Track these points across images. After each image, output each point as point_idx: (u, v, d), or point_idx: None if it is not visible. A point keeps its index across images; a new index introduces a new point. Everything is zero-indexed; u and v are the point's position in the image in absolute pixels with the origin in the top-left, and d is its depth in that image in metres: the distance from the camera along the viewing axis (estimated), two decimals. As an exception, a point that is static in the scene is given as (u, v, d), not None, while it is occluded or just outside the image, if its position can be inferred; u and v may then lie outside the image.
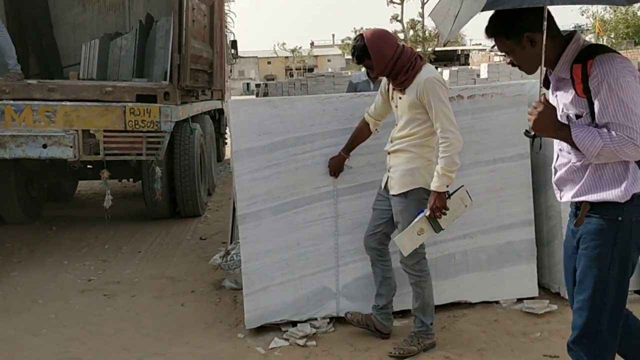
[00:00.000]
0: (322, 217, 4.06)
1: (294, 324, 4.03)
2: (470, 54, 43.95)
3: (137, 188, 8.97)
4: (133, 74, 7.78)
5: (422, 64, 3.44)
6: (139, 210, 8.09)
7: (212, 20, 8.21)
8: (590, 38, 46.10)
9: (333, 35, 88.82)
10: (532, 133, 2.43)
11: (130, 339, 4.13)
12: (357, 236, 4.05)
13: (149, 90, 6.46)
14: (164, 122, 6.17)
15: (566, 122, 2.41)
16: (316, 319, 4.05)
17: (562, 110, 2.45)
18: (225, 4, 10.91)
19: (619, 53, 2.34)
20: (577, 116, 2.39)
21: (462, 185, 3.50)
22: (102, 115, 6.13)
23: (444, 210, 3.39)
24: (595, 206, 2.39)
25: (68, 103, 6.17)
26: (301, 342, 3.83)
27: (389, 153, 3.64)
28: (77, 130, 6.06)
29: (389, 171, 3.65)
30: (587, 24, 47.43)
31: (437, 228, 3.45)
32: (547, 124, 2.36)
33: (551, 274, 4.40)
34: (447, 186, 3.38)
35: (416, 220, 3.44)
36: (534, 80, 5.06)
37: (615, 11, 41.15)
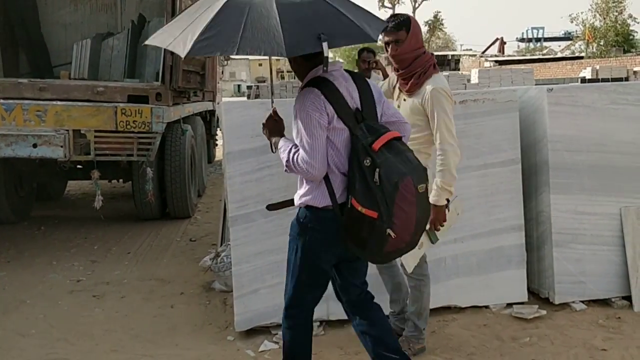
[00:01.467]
0: (313, 220, 4.05)
1: (284, 326, 4.01)
2: (461, 59, 44.13)
3: (126, 189, 8.94)
4: (125, 74, 7.76)
5: (433, 72, 3.43)
6: (129, 211, 8.06)
7: (205, 21, 8.17)
8: (580, 45, 46.46)
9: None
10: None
11: (119, 341, 4.11)
12: (348, 239, 4.05)
13: (141, 91, 6.44)
14: (156, 123, 6.16)
15: None
16: (306, 322, 4.03)
17: None
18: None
19: (323, 89, 2.70)
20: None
21: (457, 196, 3.50)
22: (93, 115, 6.11)
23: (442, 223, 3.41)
24: (300, 208, 2.90)
25: (59, 103, 6.15)
26: (291, 345, 3.81)
27: None
28: (67, 130, 6.04)
29: None
30: (576, 31, 47.82)
31: (434, 239, 3.48)
32: (269, 130, 2.96)
33: (540, 279, 4.42)
34: (447, 199, 3.40)
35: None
36: (525, 87, 5.10)
37: (605, 19, 41.48)
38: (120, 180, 7.99)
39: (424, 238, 3.42)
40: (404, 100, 3.50)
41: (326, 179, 2.75)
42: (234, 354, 3.83)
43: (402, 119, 2.96)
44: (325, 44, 2.46)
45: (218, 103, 11.45)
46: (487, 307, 4.32)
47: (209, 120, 11.07)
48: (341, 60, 57.30)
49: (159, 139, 6.31)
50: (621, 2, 40.70)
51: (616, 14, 41.43)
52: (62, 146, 5.96)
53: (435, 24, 42.64)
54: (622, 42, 40.64)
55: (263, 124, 2.99)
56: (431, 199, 3.32)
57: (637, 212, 4.31)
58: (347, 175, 2.73)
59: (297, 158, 2.72)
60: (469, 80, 19.30)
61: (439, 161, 3.35)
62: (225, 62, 14.02)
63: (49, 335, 4.20)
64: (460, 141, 4.21)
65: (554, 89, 4.29)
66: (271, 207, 3.32)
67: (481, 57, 43.72)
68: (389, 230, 2.57)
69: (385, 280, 3.86)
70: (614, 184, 4.33)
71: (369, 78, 5.73)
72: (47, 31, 8.93)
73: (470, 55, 45.89)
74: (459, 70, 37.60)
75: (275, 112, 2.96)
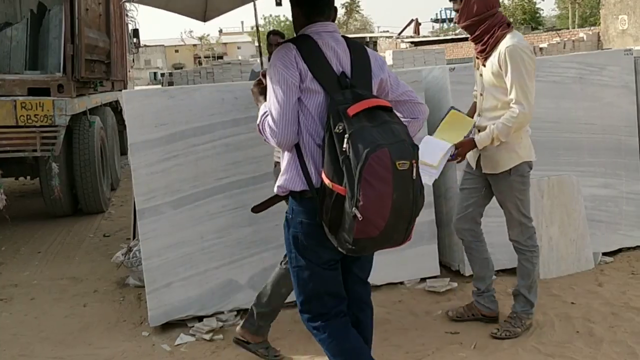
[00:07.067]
0: (225, 208, 4.00)
1: (200, 319, 3.97)
2: (378, 41, 44.62)
3: (36, 186, 8.58)
4: (26, 66, 7.40)
5: (506, 31, 3.34)
6: (39, 209, 7.75)
7: (109, 8, 7.93)
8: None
9: (242, 22, 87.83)
10: None
11: (28, 344, 3.94)
12: (262, 226, 4.03)
13: (42, 83, 6.19)
14: (59, 116, 5.94)
15: None
16: (223, 313, 4.00)
17: None
18: (125, -9, 10.54)
19: (298, 43, 2.45)
20: None
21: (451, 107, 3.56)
22: (-10, 111, 5.80)
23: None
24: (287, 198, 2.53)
25: (-48, 98, 5.81)
26: (207, 336, 3.77)
27: (478, 130, 3.49)
28: (-37, 127, 5.72)
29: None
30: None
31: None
32: (254, 94, 2.73)
33: (451, 253, 4.55)
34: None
35: (445, 153, 3.40)
36: (430, 67, 5.20)
37: (512, -3, 42.90)
38: (28, 177, 7.66)
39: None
40: (484, 66, 3.43)
41: (298, 152, 2.41)
42: (149, 350, 3.74)
43: (415, 99, 2.62)
44: None
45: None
46: (401, 283, 4.41)
47: (121, 110, 10.75)
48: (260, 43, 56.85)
49: (63, 132, 6.09)
50: (527, -18, 42.30)
51: (523, -7, 42.95)
52: (-42, 144, 5.65)
53: (352, 6, 42.86)
54: (530, 20, 42.27)
55: (251, 89, 2.73)
56: (476, 138, 3.38)
57: (538, 183, 4.48)
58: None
59: (264, 122, 2.44)
60: (384, 62, 19.57)
61: (507, 115, 3.28)
62: (136, 49, 13.61)
63: (-49, 345, 3.98)
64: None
65: (455, 68, 4.39)
66: (256, 209, 2.84)
67: (397, 38, 44.36)
68: (354, 210, 2.18)
69: (473, 257, 3.75)
70: (517, 158, 4.48)
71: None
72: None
73: (387, 37, 46.47)
74: (376, 51, 38.02)
75: (264, 75, 2.61)
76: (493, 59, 3.35)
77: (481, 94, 3.52)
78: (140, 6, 13.90)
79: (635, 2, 22.66)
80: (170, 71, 19.21)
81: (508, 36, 3.32)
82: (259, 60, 4.72)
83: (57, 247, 6.22)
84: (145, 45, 13.29)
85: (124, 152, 11.05)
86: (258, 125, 2.50)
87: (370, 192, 2.17)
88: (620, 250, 4.77)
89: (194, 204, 3.93)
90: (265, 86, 2.55)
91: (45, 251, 6.10)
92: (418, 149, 2.31)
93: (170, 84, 14.12)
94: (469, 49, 30.78)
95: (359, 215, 2.17)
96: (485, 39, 3.37)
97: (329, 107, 2.33)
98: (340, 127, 2.23)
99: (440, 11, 71.58)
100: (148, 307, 3.91)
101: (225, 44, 78.68)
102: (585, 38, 24.38)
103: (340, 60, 2.45)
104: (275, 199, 2.63)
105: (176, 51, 78.41)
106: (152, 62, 69.47)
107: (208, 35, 74.02)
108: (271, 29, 6.08)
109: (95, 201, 7.35)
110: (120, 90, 10.14)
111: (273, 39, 5.64)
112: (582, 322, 3.71)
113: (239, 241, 4.02)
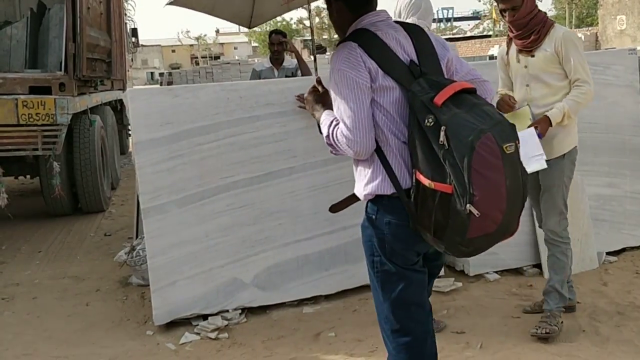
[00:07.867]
0: (230, 207, 3.99)
1: (205, 317, 3.95)
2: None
3: (35, 184, 8.57)
4: (26, 64, 7.40)
5: (552, 23, 3.53)
6: (39, 208, 7.72)
7: (109, 7, 7.93)
8: (488, 24, 47.94)
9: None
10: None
11: (31, 343, 3.93)
12: (267, 225, 4.03)
13: (43, 82, 6.17)
14: (60, 115, 5.91)
15: None
16: (228, 311, 3.99)
17: None
18: (124, -9, 10.55)
19: (359, 40, 2.23)
20: None
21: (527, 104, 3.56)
22: (-8, 109, 5.79)
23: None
24: (368, 202, 2.32)
25: (-47, 96, 5.79)
26: (212, 335, 3.76)
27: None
28: (-36, 126, 5.70)
29: None
30: (484, 10, 49.32)
31: None
32: (309, 103, 2.45)
33: (456, 253, 4.53)
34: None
35: (526, 131, 3.36)
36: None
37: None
38: (28, 176, 7.64)
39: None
40: (532, 56, 3.52)
41: (381, 156, 2.20)
42: (154, 349, 3.73)
43: (480, 77, 2.39)
44: None
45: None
46: (406, 283, 4.39)
47: (120, 109, 10.74)
48: (257, 44, 56.62)
49: (65, 131, 6.07)
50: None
51: (520, -8, 42.87)
52: (-41, 143, 5.63)
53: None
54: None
55: (305, 97, 2.48)
56: (549, 113, 3.42)
57: (543, 183, 4.49)
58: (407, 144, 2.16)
59: (336, 132, 2.20)
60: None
61: (577, 92, 3.42)
62: (135, 48, 13.59)
63: (-46, 344, 3.96)
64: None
65: (460, 67, 4.38)
66: (334, 209, 2.59)
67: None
68: (469, 207, 1.95)
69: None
70: (521, 157, 4.48)
71: (282, 61, 5.76)
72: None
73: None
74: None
75: (319, 81, 2.45)
76: (546, 47, 3.48)
77: (527, 85, 3.59)
78: (137, 5, 13.90)
79: (634, 2, 22.71)
80: (169, 71, 19.20)
81: (556, 25, 3.53)
82: (257, 60, 4.69)
83: (58, 246, 6.19)
84: (142, 45, 13.29)
85: (122, 151, 11.07)
86: (327, 137, 2.25)
87: (484, 183, 1.96)
88: (624, 250, 4.77)
89: (199, 203, 3.92)
90: (322, 93, 2.41)
91: (46, 250, 6.08)
92: (515, 127, 2.11)
93: (170, 83, 14.11)
94: (466, 47, 30.84)
95: (475, 212, 1.95)
96: (538, 29, 3.50)
97: (410, 100, 2.13)
98: (431, 120, 2.02)
99: (437, 10, 71.85)
100: (153, 306, 3.89)
101: (222, 44, 78.58)
102: (583, 38, 24.41)
103: (404, 48, 2.25)
104: (354, 198, 2.42)
105: (173, 51, 78.30)
106: (149, 61, 69.37)
107: (205, 35, 73.86)
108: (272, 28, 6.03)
109: (96, 200, 7.33)
110: (120, 90, 10.15)
111: (275, 38, 5.63)
112: (587, 321, 3.71)
113: (243, 240, 4.02)
